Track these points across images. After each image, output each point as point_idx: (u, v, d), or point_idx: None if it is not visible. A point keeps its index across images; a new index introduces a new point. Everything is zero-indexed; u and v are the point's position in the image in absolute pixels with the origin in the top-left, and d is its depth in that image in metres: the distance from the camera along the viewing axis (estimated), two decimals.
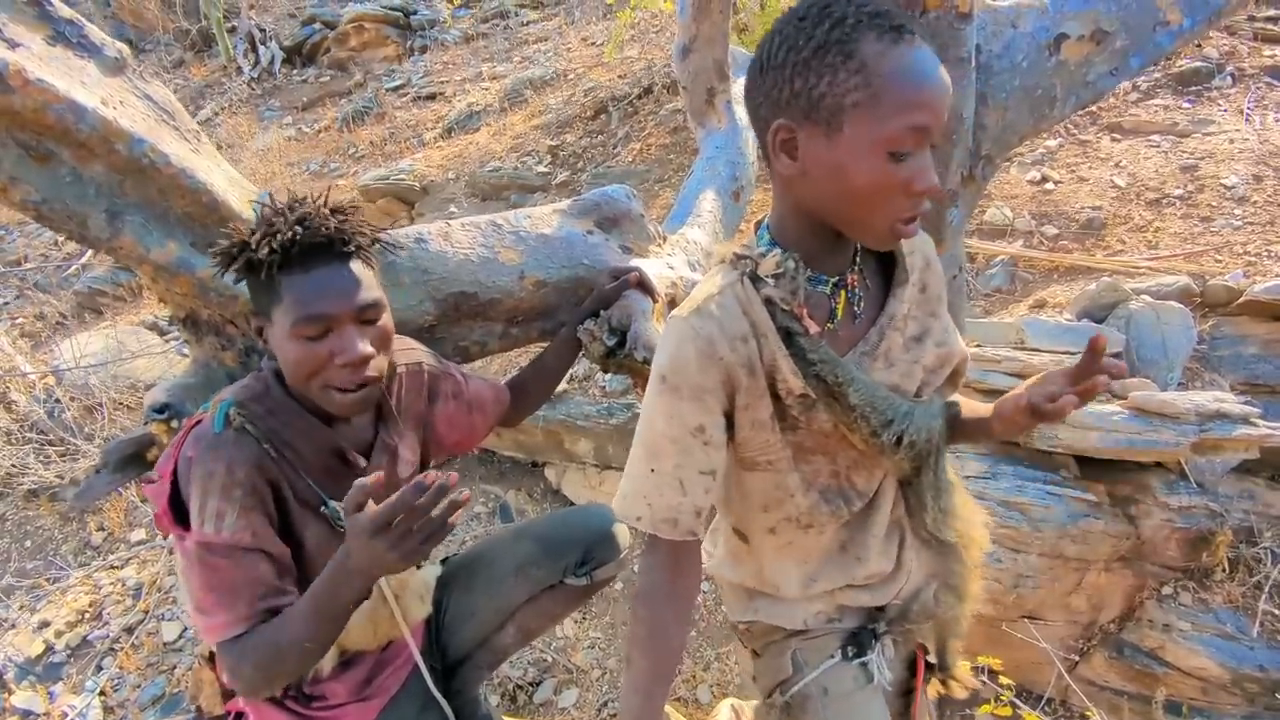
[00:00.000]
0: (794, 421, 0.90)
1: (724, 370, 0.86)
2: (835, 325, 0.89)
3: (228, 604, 0.96)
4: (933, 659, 1.12)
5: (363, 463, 1.10)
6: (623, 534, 1.43)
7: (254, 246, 0.95)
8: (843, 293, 0.89)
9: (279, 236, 0.94)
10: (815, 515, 0.96)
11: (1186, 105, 3.61)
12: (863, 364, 0.89)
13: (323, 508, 1.05)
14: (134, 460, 1.16)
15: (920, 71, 0.73)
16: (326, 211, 0.99)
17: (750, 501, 0.99)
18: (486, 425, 1.33)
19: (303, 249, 0.95)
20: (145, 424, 1.14)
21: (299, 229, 0.95)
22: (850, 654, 1.01)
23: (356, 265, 1.00)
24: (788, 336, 0.86)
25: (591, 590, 1.40)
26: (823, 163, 0.77)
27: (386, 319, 1.04)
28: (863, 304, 0.91)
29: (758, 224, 0.93)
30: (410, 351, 1.21)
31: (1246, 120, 3.45)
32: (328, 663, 1.14)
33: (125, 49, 1.07)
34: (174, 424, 1.13)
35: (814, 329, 0.86)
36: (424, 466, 1.23)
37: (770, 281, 0.85)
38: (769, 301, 0.85)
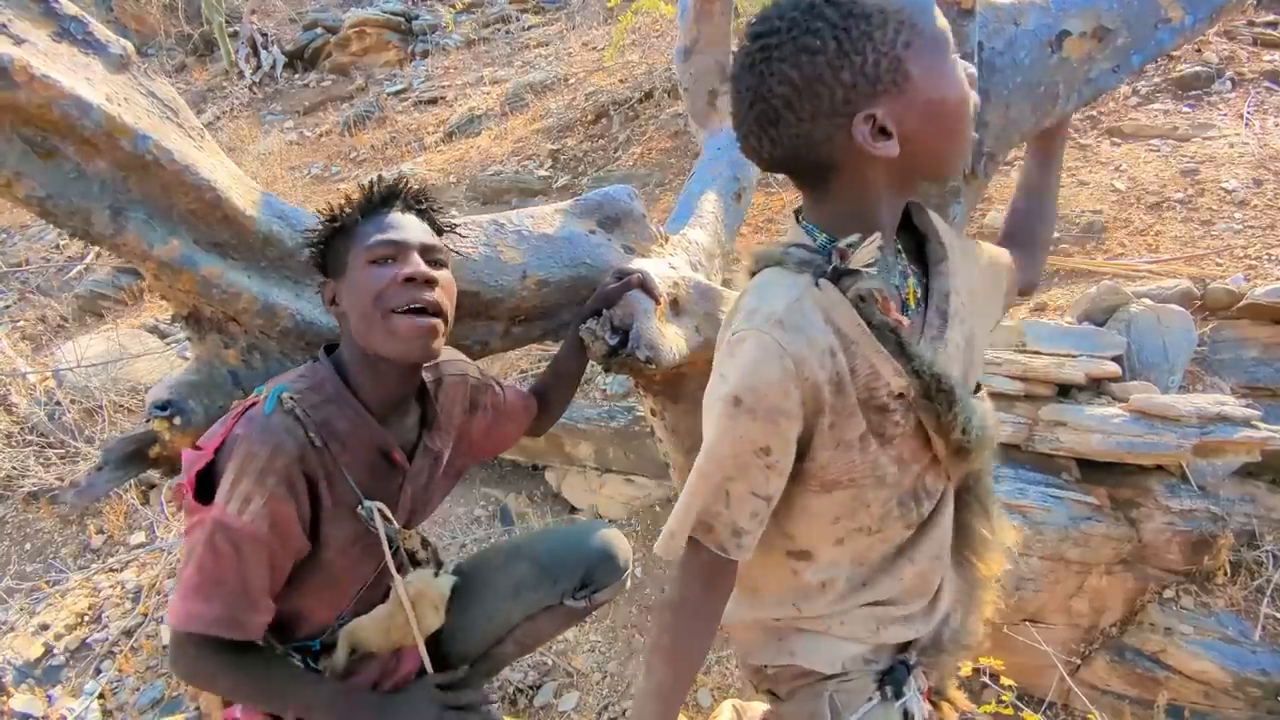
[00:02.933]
0: (891, 432, 0.84)
1: (810, 390, 0.79)
2: (909, 315, 0.84)
3: (205, 596, 0.96)
4: (933, 682, 1.08)
5: (408, 464, 1.12)
6: (623, 554, 1.42)
7: (349, 205, 1.05)
8: (910, 279, 0.85)
9: (372, 189, 1.06)
10: (887, 521, 0.91)
11: (1186, 110, 3.62)
12: (935, 353, 0.83)
13: (359, 507, 1.06)
14: (135, 458, 1.16)
15: None
16: (413, 183, 1.11)
17: (819, 519, 0.92)
18: (517, 435, 1.36)
19: (384, 197, 1.06)
20: (147, 421, 1.14)
21: (388, 185, 1.07)
22: (889, 694, 0.96)
23: (428, 222, 1.10)
24: (886, 333, 0.79)
25: (590, 610, 1.40)
26: (917, 114, 0.75)
27: (450, 276, 1.09)
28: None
29: (797, 216, 0.87)
30: (457, 362, 1.24)
31: (1246, 125, 3.46)
32: (341, 659, 1.14)
33: (129, 46, 1.07)
34: (176, 421, 1.12)
35: (904, 322, 0.81)
36: (455, 475, 1.25)
37: (862, 275, 0.78)
38: (861, 300, 0.78)
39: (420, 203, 1.10)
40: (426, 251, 1.05)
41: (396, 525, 1.11)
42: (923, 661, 1.01)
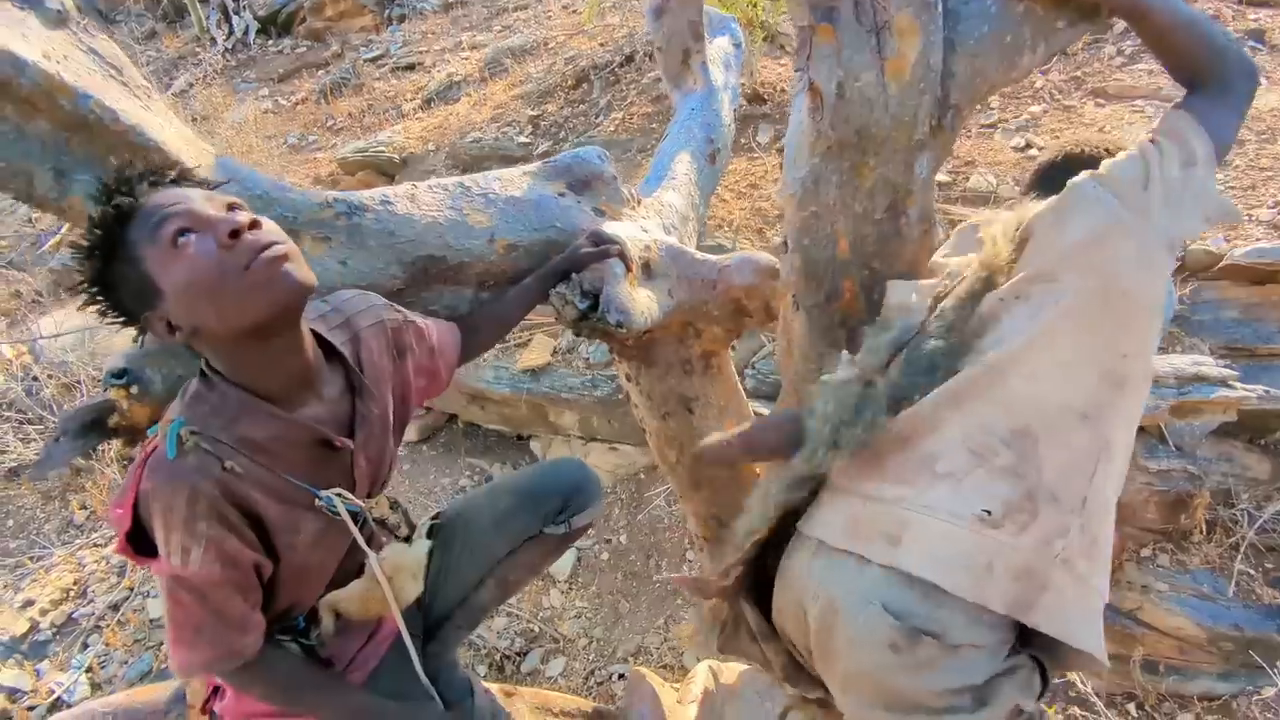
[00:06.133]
0: None
1: None
2: None
3: (189, 644, 0.96)
4: None
5: (350, 443, 1.05)
6: (598, 481, 1.43)
7: (94, 227, 0.88)
8: None
9: (107, 197, 0.88)
10: None
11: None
12: None
13: (317, 501, 1.02)
14: (94, 428, 1.14)
15: None
16: (139, 166, 0.93)
17: None
18: (449, 369, 1.28)
19: (126, 193, 0.88)
20: (105, 390, 1.12)
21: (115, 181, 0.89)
22: None
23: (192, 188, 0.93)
24: None
25: (570, 539, 1.40)
26: None
27: (260, 218, 0.93)
28: None
29: None
30: (368, 310, 1.14)
31: None
32: (330, 626, 1.14)
33: (68, 2, 1.03)
34: (134, 390, 1.10)
35: None
36: (401, 426, 1.19)
37: None
38: None
39: (164, 176, 0.93)
40: (216, 203, 0.91)
41: (360, 504, 1.08)
42: None
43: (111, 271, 0.90)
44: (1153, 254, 0.92)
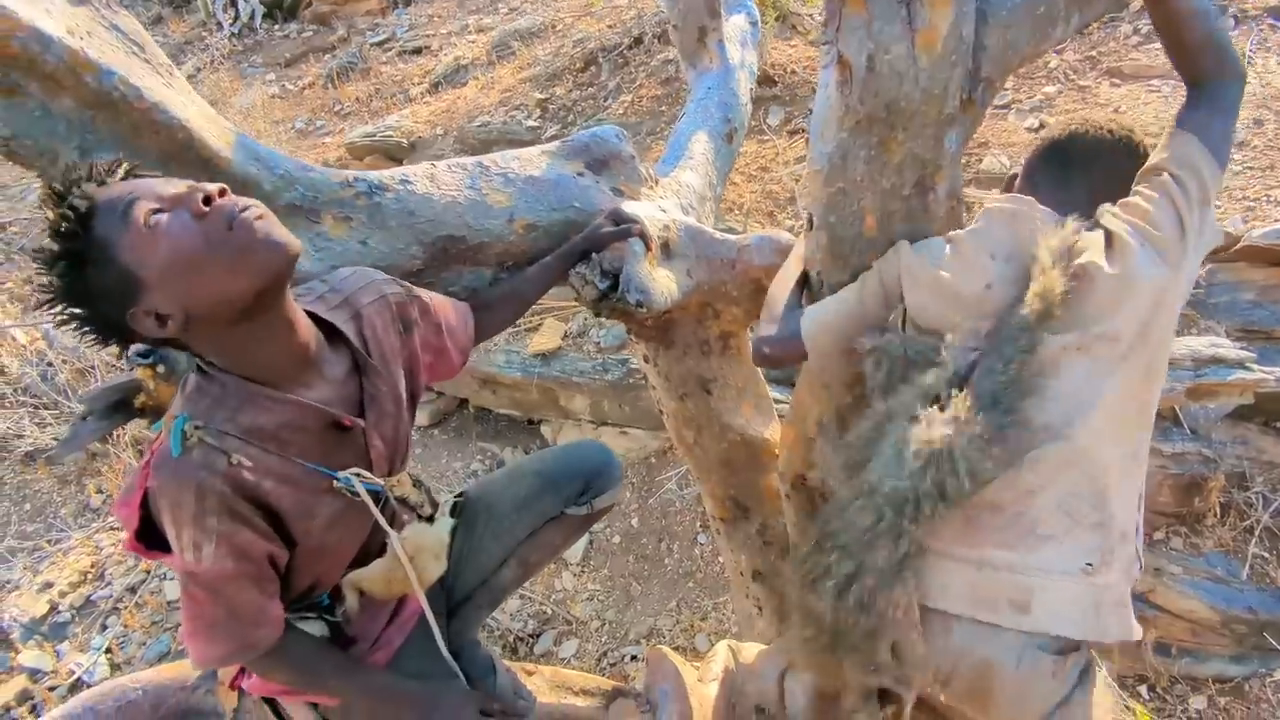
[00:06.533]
0: None
1: None
2: None
3: (207, 638, 0.96)
4: None
5: (362, 423, 1.03)
6: (619, 464, 1.43)
7: (56, 224, 0.82)
8: None
9: (59, 199, 0.82)
10: None
11: None
12: None
13: (334, 483, 1.00)
14: (120, 408, 1.14)
15: None
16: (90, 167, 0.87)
17: None
18: (461, 352, 1.25)
19: (79, 191, 0.83)
20: (131, 370, 1.12)
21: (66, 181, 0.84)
22: None
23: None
24: None
25: (591, 520, 1.41)
26: None
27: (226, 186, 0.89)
28: None
29: None
30: (369, 286, 1.11)
31: (1248, 63, 3.39)
32: (353, 604, 1.15)
33: None
34: (159, 369, 1.11)
35: None
36: (414, 402, 1.17)
37: None
38: None
39: (114, 172, 0.88)
40: (174, 183, 0.87)
41: (379, 483, 1.07)
42: None
43: (84, 279, 0.83)
44: (1184, 299, 1.01)
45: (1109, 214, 0.98)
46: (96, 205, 0.83)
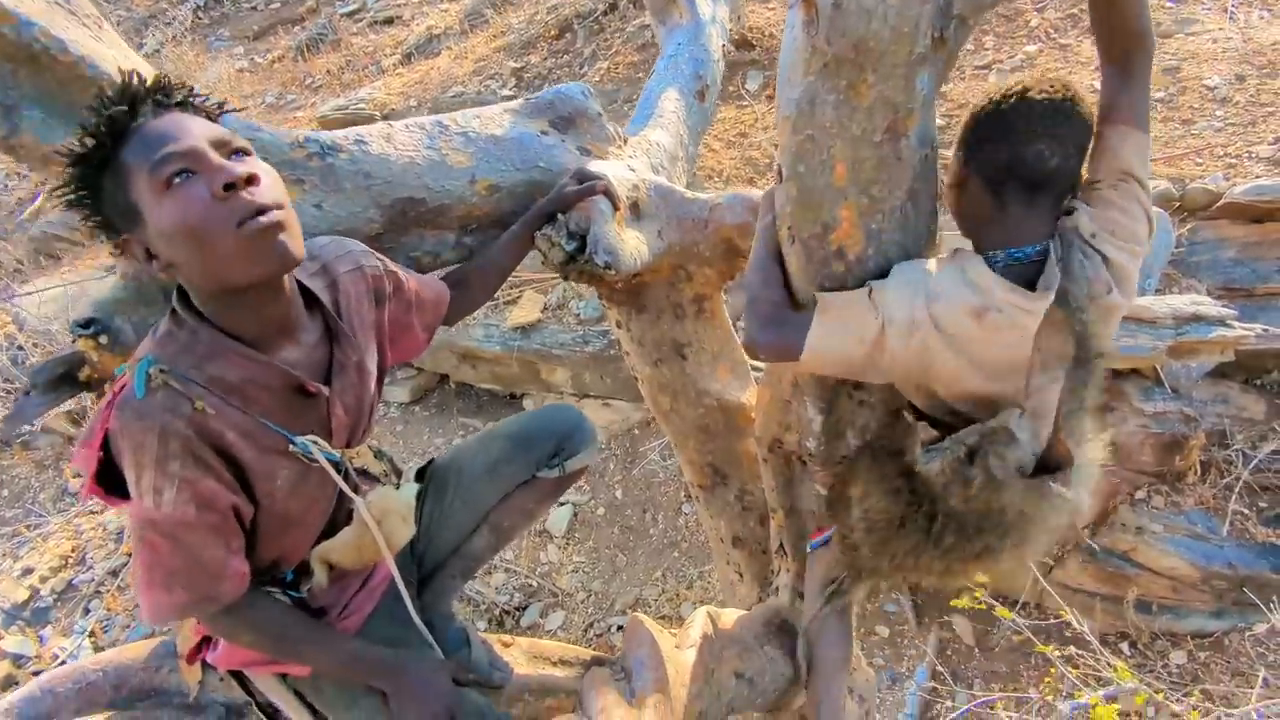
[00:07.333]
0: None
1: None
2: None
3: (163, 586, 0.92)
4: None
5: (326, 390, 1.01)
6: (592, 426, 1.40)
7: (89, 135, 0.83)
8: None
9: (107, 103, 0.83)
10: None
11: (1170, 5, 3.49)
12: None
13: (291, 446, 0.98)
14: (65, 381, 1.10)
15: None
16: (150, 78, 0.89)
17: None
18: (427, 329, 1.23)
19: (128, 108, 0.84)
20: (73, 341, 1.07)
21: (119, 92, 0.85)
22: None
23: (194, 113, 0.89)
24: None
25: (564, 483, 1.37)
26: None
27: (264, 164, 0.90)
28: None
29: None
30: (346, 256, 1.10)
31: (1231, 19, 3.35)
32: (322, 579, 1.12)
33: None
34: (103, 340, 1.06)
35: None
36: (381, 376, 1.15)
37: None
38: None
39: (170, 95, 0.88)
40: (221, 146, 0.87)
41: (337, 452, 1.05)
42: None
43: (99, 180, 0.85)
44: None
45: (1108, 243, 1.02)
46: (134, 131, 0.84)
